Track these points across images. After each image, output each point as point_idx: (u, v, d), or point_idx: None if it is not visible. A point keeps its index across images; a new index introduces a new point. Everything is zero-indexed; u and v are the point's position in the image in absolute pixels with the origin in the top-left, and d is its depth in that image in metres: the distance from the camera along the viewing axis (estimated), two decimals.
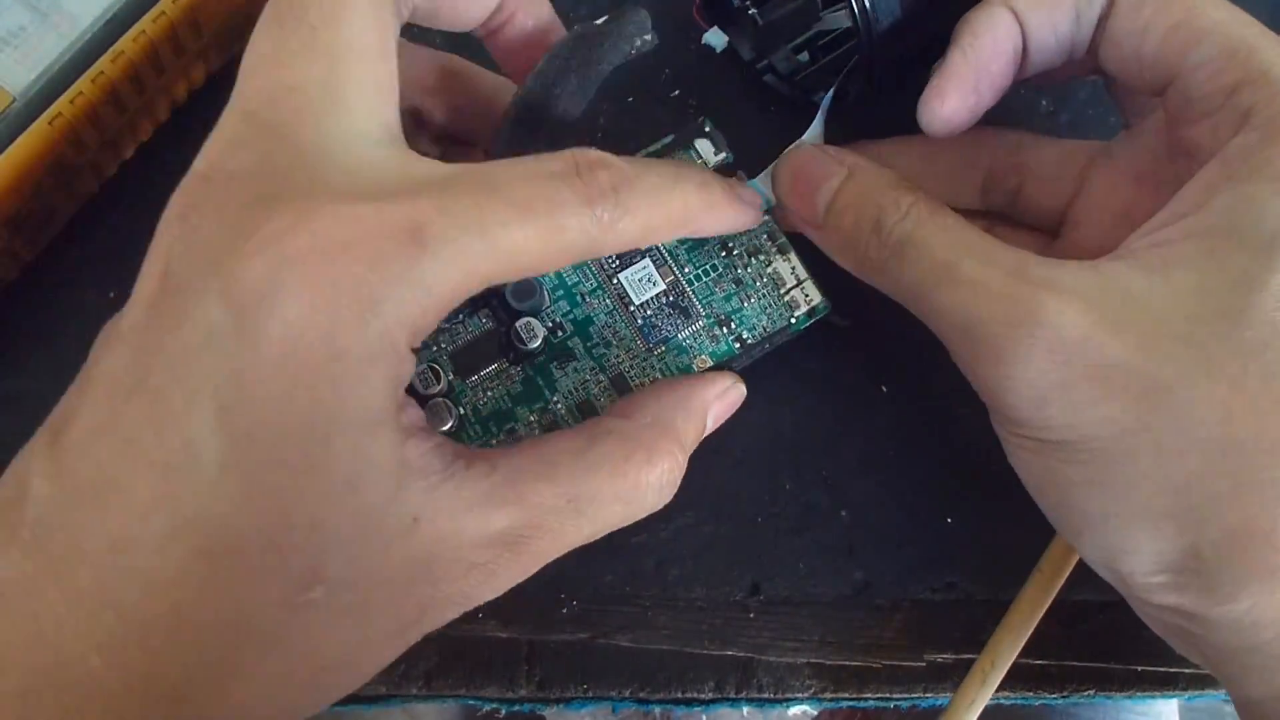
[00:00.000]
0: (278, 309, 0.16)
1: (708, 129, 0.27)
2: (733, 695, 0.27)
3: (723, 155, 0.26)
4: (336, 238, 0.16)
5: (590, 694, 0.26)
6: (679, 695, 0.26)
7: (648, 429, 0.21)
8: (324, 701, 0.19)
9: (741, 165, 0.26)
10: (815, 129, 0.26)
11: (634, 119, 0.29)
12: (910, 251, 0.22)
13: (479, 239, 0.17)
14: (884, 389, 0.28)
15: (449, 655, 0.26)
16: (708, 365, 0.25)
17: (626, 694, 0.26)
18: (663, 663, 0.27)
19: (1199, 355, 0.19)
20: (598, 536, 0.20)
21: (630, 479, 0.20)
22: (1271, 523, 0.19)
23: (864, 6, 0.24)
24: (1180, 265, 0.19)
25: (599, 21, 0.23)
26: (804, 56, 0.29)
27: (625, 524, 0.21)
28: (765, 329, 0.26)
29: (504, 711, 0.28)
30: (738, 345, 0.25)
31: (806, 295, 0.26)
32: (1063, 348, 0.19)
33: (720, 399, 0.23)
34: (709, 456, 0.27)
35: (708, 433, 0.23)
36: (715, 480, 0.27)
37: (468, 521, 0.18)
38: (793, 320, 0.26)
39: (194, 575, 0.16)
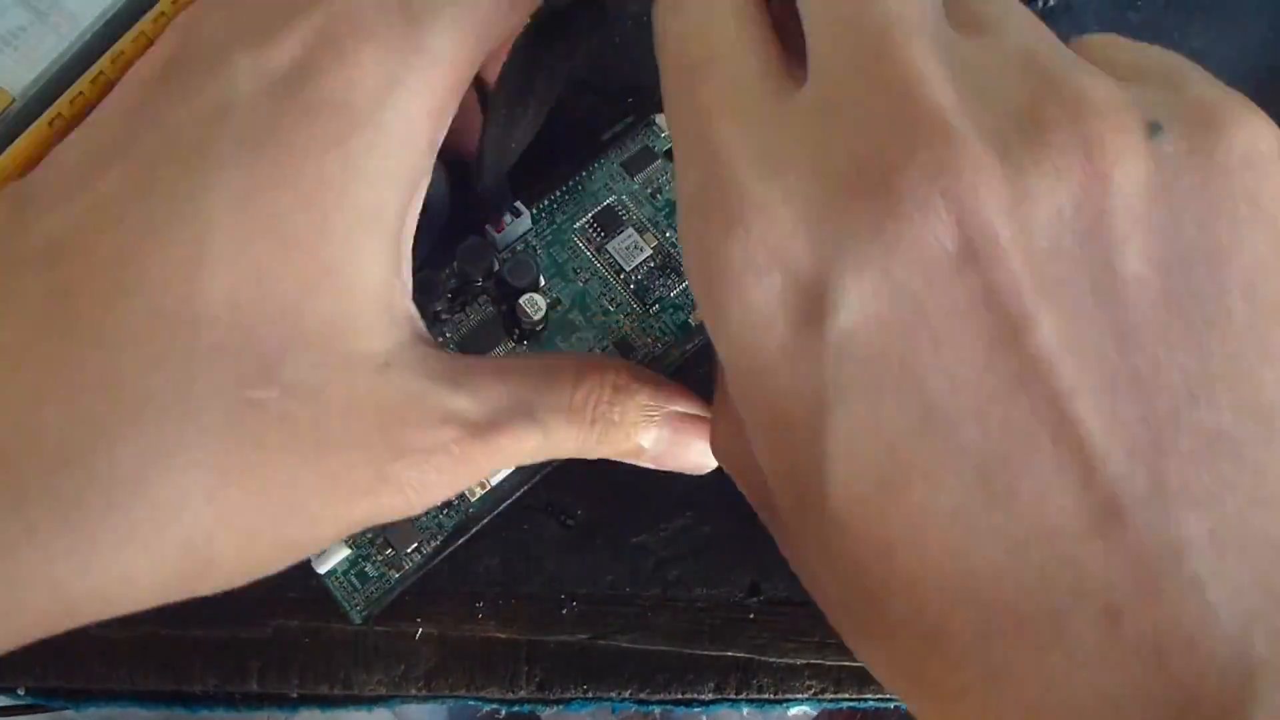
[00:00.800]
0: (310, 80, 0.15)
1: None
2: (733, 696, 0.27)
3: None
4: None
5: (590, 694, 0.26)
6: (679, 696, 0.26)
7: (597, 357, 0.21)
8: (255, 553, 0.16)
9: None
10: None
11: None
12: None
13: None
14: None
15: (449, 655, 0.26)
16: (701, 318, 0.26)
17: (626, 694, 0.26)
18: (663, 663, 0.27)
19: None
20: (554, 455, 0.20)
21: (574, 396, 0.20)
22: None
23: None
24: None
25: None
26: None
27: (583, 455, 0.20)
28: None
29: (504, 712, 0.28)
30: None
31: None
32: None
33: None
34: None
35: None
36: (715, 480, 0.27)
37: (436, 391, 0.17)
38: None
39: (147, 344, 0.15)
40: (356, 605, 0.25)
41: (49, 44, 0.24)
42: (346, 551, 0.24)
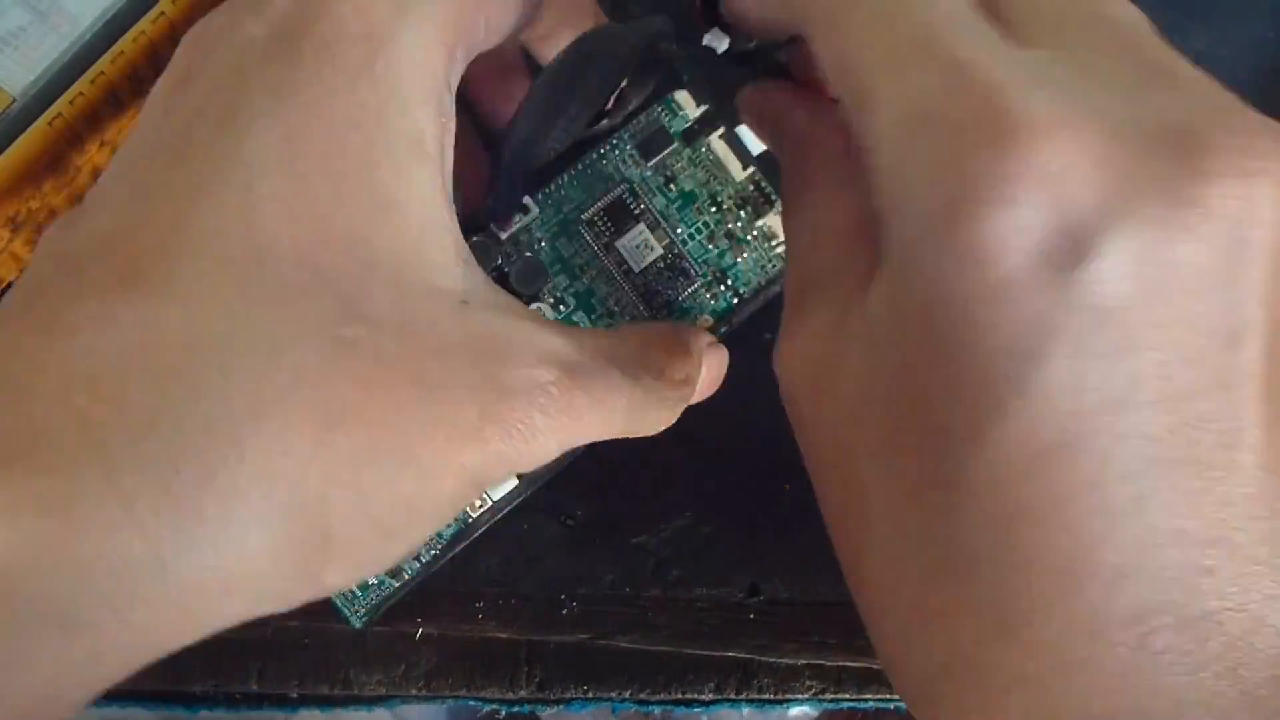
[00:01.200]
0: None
1: (686, 79, 0.25)
2: (733, 696, 0.27)
3: (704, 107, 0.26)
4: None
5: (590, 695, 0.26)
6: (679, 696, 0.26)
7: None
8: (373, 517, 0.14)
9: (727, 116, 0.26)
10: None
11: None
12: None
13: None
14: None
15: (449, 655, 0.26)
16: (710, 324, 0.26)
17: (626, 695, 0.26)
18: (663, 663, 0.27)
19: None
20: (639, 425, 0.18)
21: (670, 361, 0.19)
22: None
23: None
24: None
25: (619, 25, 0.22)
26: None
27: (656, 427, 0.19)
28: (760, 281, 0.26)
29: (504, 712, 0.28)
30: (735, 299, 0.26)
31: None
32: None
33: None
34: (708, 456, 0.27)
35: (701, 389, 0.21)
36: (715, 480, 0.27)
37: (525, 328, 0.16)
38: (781, 271, 0.26)
39: (220, 292, 0.14)
40: (357, 611, 0.24)
41: (49, 44, 0.24)
42: None
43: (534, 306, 0.25)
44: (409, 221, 0.15)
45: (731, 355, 0.22)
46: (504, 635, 0.26)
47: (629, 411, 0.18)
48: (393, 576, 0.25)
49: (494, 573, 0.26)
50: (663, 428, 0.19)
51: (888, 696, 0.27)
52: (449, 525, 0.25)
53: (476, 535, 0.25)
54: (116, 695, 0.26)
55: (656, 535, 0.27)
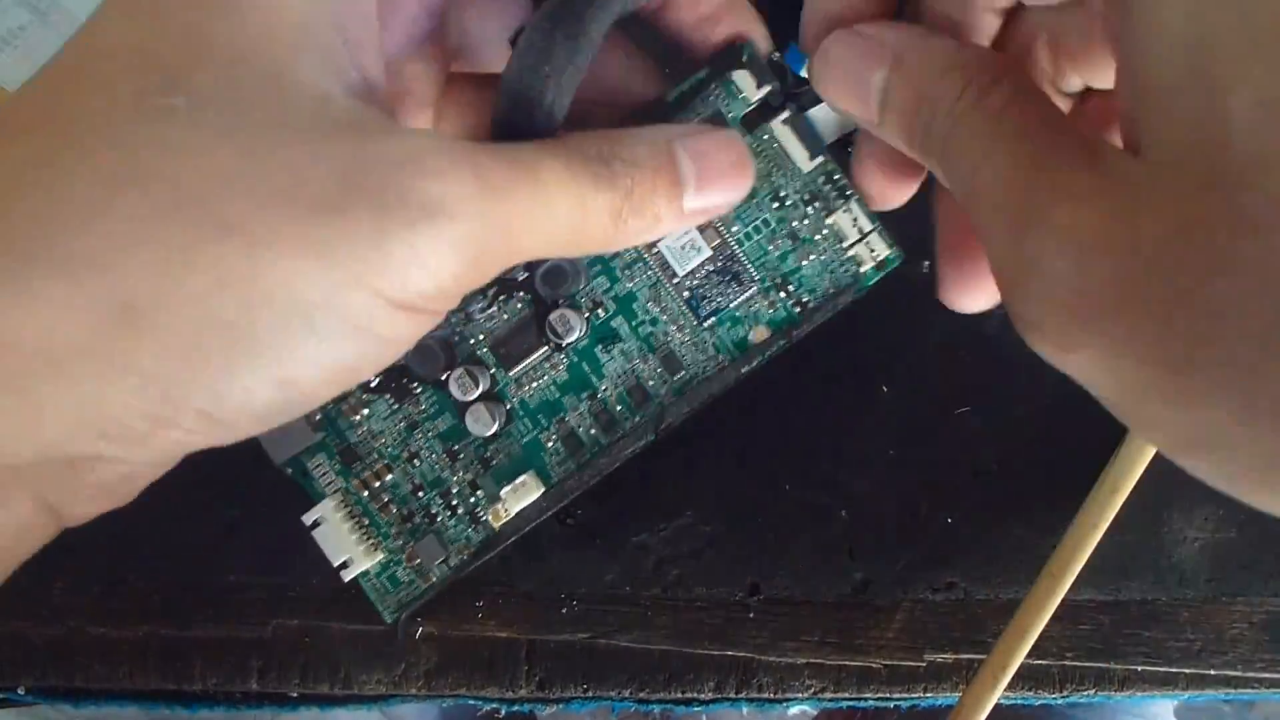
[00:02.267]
0: None
1: (745, 57, 0.22)
2: (733, 695, 0.27)
3: (767, 88, 0.22)
4: None
5: (590, 694, 0.26)
6: (679, 695, 0.27)
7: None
8: (182, 286, 0.14)
9: (793, 99, 0.23)
10: None
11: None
12: (952, 150, 0.17)
13: None
14: (884, 389, 0.28)
15: (449, 655, 0.26)
16: (766, 336, 0.23)
17: (626, 694, 0.26)
18: (663, 663, 0.27)
19: None
20: (578, 219, 0.17)
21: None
22: None
23: None
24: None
25: None
26: None
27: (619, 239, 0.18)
28: (829, 289, 0.23)
29: (504, 711, 0.28)
30: (798, 310, 0.23)
31: (872, 248, 0.23)
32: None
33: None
34: (708, 455, 0.27)
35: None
36: (715, 480, 0.27)
37: (396, 128, 0.15)
38: (859, 275, 0.23)
39: (53, 77, 0.15)
40: (388, 606, 0.24)
41: (49, 43, 0.24)
42: (380, 556, 0.24)
43: (559, 314, 0.23)
44: (261, 15, 0.15)
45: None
46: (504, 634, 0.26)
47: (573, 212, 0.16)
48: (421, 577, 0.25)
49: (494, 572, 0.26)
50: (638, 239, 0.17)
51: (887, 695, 0.27)
52: (479, 532, 0.24)
53: (505, 545, 0.25)
54: (117, 694, 0.26)
55: (657, 534, 0.27)
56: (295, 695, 0.26)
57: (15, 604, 0.25)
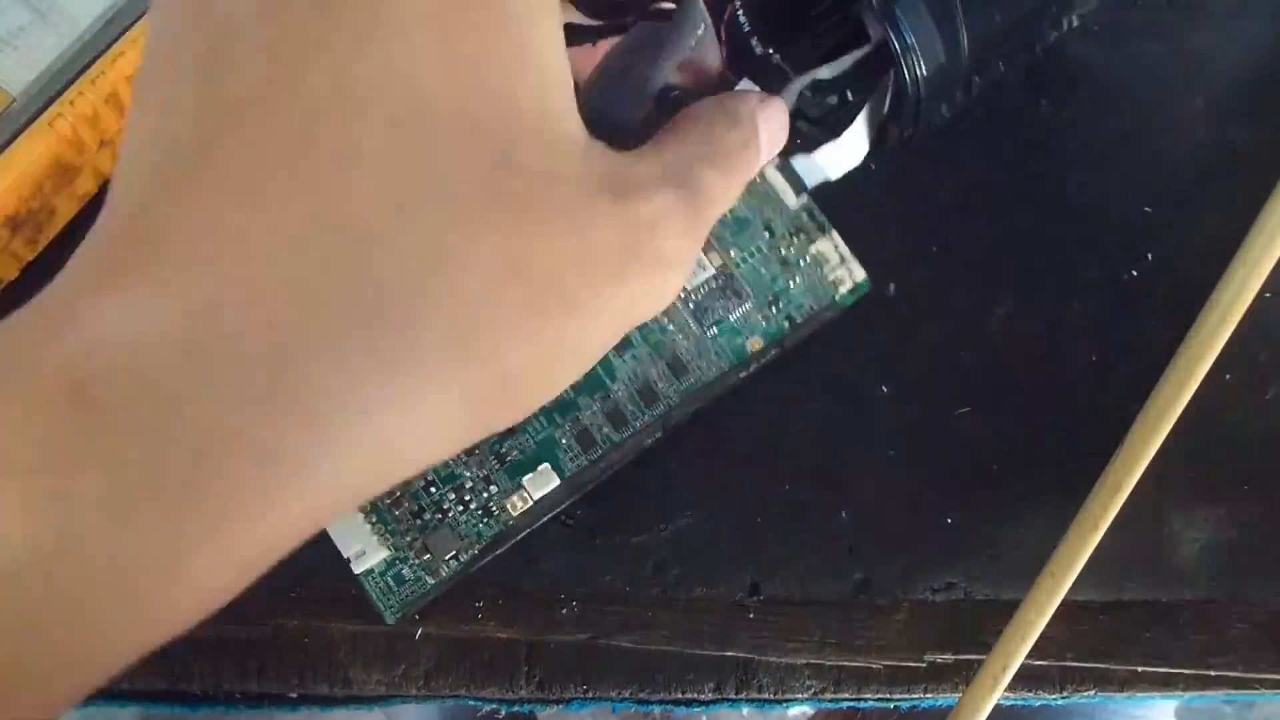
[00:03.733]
0: None
1: None
2: (733, 696, 0.27)
3: None
4: None
5: (590, 694, 0.26)
6: (679, 695, 0.27)
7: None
8: (542, 361, 0.15)
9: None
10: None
11: None
12: None
13: None
14: (884, 389, 0.28)
15: (449, 655, 0.26)
16: (760, 345, 0.27)
17: (626, 694, 0.26)
18: (663, 663, 0.27)
19: None
20: (717, 205, 0.18)
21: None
22: None
23: (906, 61, 0.24)
24: None
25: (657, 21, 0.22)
26: (833, 99, 0.29)
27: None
28: (812, 306, 0.27)
29: (504, 712, 0.28)
30: (788, 324, 0.27)
31: (850, 272, 0.27)
32: None
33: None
34: (709, 456, 0.27)
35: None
36: (715, 480, 0.27)
37: (633, 165, 0.16)
38: (838, 297, 0.27)
39: (392, 153, 0.14)
40: (391, 606, 0.25)
41: (49, 44, 0.24)
42: (385, 553, 0.24)
43: None
44: (544, 72, 0.15)
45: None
46: (504, 635, 0.26)
47: (716, 203, 0.18)
48: (430, 575, 0.25)
49: (494, 572, 0.26)
50: (733, 200, 0.19)
51: (887, 696, 0.27)
52: (490, 526, 0.25)
53: (518, 538, 0.25)
54: (116, 694, 0.26)
55: (656, 535, 0.27)
56: (295, 695, 0.26)
57: None
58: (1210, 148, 0.31)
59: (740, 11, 0.29)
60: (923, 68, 0.26)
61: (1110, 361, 0.29)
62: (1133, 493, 0.27)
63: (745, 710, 0.28)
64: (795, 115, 0.29)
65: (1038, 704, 0.28)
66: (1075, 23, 0.30)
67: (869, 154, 0.28)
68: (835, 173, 0.28)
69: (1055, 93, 0.31)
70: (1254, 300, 0.28)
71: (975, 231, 0.29)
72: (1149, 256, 0.30)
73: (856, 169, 0.28)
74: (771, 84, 0.29)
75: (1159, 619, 0.28)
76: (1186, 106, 0.31)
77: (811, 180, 0.27)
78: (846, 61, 0.28)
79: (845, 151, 0.28)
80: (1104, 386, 0.29)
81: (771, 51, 0.29)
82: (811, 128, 0.29)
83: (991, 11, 0.27)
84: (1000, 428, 0.28)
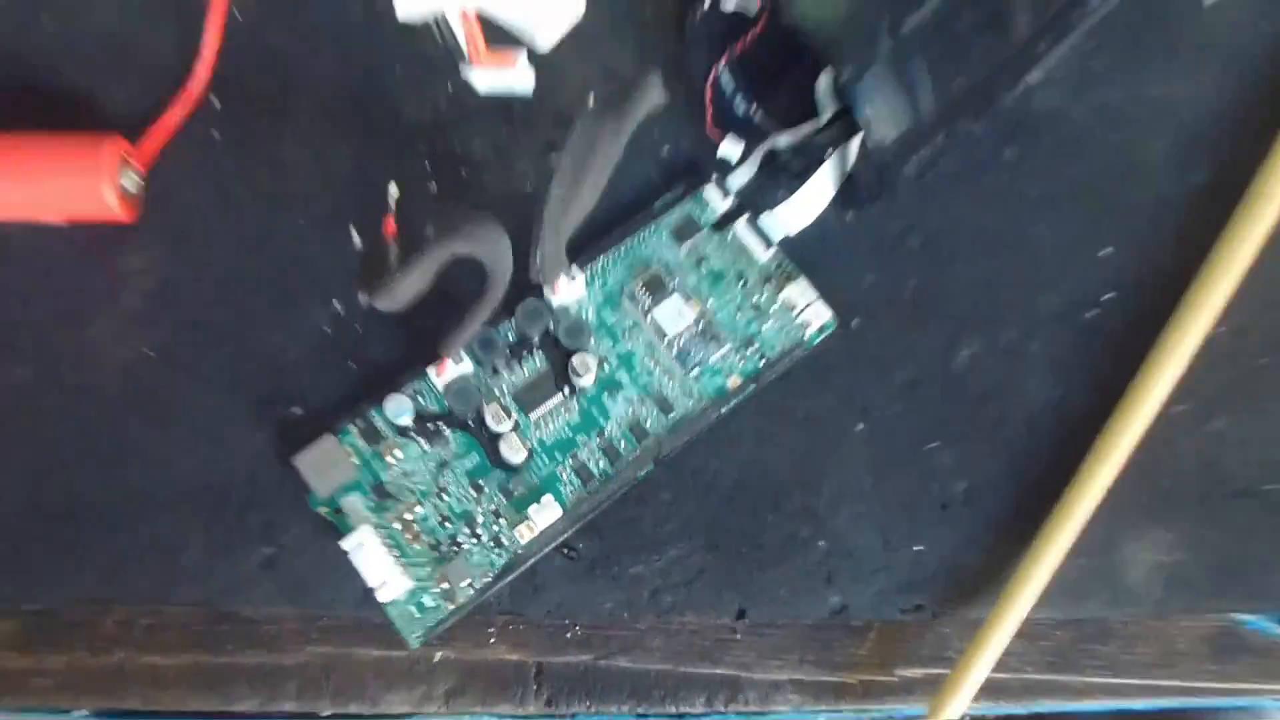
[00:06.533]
0: None
1: (714, 176, 0.31)
2: (722, 709, 0.29)
3: (729, 201, 0.31)
4: None
5: (594, 710, 0.29)
6: (673, 710, 0.29)
7: None
8: None
9: (750, 207, 0.31)
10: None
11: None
12: None
13: None
14: (860, 427, 0.30)
15: (466, 676, 0.29)
16: (739, 383, 0.29)
17: (626, 709, 0.29)
18: (658, 681, 0.29)
19: None
20: None
21: None
22: None
23: (868, 131, 0.27)
24: None
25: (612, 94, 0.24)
26: (796, 164, 0.31)
27: None
28: (784, 346, 0.30)
29: None
30: (762, 362, 0.30)
31: (817, 314, 0.30)
32: None
33: None
34: (698, 493, 0.29)
35: None
36: (704, 515, 0.29)
37: None
38: (805, 337, 0.30)
39: None
40: (413, 632, 0.27)
41: None
42: (408, 584, 0.27)
43: (579, 356, 0.28)
44: None
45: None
46: (514, 657, 0.29)
47: None
48: (448, 601, 0.27)
49: (504, 601, 0.29)
50: None
51: (862, 707, 0.30)
52: (500, 556, 0.28)
53: (526, 566, 0.28)
54: (166, 716, 0.29)
55: (652, 566, 0.29)
56: (327, 715, 0.29)
57: (73, 638, 0.28)
58: (1169, 190, 0.33)
59: (724, 73, 0.32)
60: (886, 135, 0.28)
61: (1069, 397, 0.31)
62: (1089, 520, 0.29)
63: None
64: (763, 175, 0.31)
65: (1001, 714, 0.30)
66: (1038, 78, 0.32)
67: (858, 204, 0.31)
68: (795, 228, 0.30)
69: (1020, 141, 0.33)
70: (1204, 336, 0.30)
71: (944, 275, 0.31)
72: (1108, 296, 0.32)
73: (833, 219, 0.31)
74: (752, 141, 0.31)
75: (1112, 635, 0.30)
76: (1147, 151, 0.33)
77: (776, 235, 0.30)
78: (805, 129, 0.30)
79: (800, 211, 0.31)
80: (1063, 420, 0.31)
81: (754, 110, 0.31)
82: (777, 188, 0.31)
83: (953, 76, 0.29)
84: (965, 460, 0.30)
